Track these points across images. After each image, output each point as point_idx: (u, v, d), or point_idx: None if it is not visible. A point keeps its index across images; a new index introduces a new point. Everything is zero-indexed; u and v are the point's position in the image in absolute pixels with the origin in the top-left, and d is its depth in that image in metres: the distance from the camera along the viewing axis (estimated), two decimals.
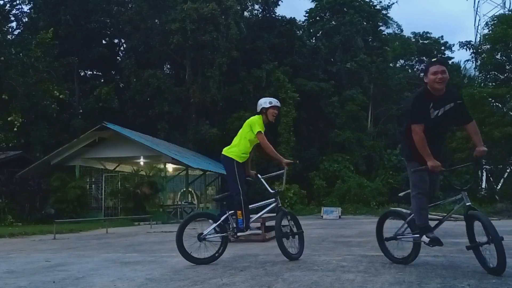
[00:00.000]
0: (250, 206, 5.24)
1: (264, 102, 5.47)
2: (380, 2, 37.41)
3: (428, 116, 4.08)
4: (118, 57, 32.89)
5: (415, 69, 43.66)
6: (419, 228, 4.25)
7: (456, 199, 4.40)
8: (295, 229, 5.34)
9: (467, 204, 4.17)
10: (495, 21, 25.92)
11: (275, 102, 5.47)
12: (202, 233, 5.08)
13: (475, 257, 4.10)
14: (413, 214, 4.39)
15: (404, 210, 4.98)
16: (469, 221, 4.14)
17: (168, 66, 34.41)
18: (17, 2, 24.86)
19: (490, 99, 25.17)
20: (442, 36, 41.36)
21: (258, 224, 5.47)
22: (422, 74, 4.37)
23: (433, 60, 4.30)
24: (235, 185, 5.24)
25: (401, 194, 4.74)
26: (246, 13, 34.55)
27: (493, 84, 26.39)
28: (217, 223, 5.12)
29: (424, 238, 4.18)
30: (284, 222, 5.18)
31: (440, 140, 4.39)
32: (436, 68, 4.10)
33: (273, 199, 5.31)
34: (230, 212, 5.12)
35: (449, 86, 4.26)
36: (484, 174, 29.23)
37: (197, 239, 5.03)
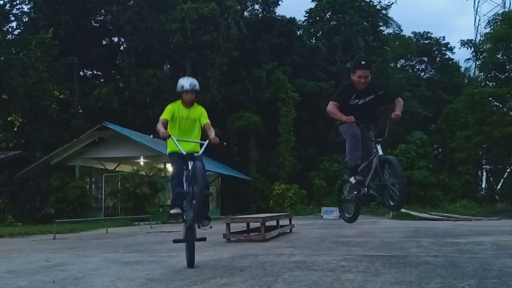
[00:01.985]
0: None
1: (178, 84, 4.98)
2: (380, 2, 37.43)
3: (348, 103, 5.00)
4: (118, 57, 32.88)
5: (415, 69, 43.67)
6: (349, 169, 5.07)
7: (374, 152, 4.96)
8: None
9: (379, 154, 4.81)
10: (497, 20, 25.88)
11: (187, 85, 4.90)
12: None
13: (377, 193, 4.96)
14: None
15: None
16: (382, 165, 4.79)
17: (168, 66, 34.43)
18: (17, 2, 24.83)
19: (490, 98, 25.15)
20: (444, 37, 41.42)
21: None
22: (350, 70, 5.12)
23: (361, 62, 4.93)
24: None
25: (337, 140, 5.51)
26: (246, 13, 34.57)
27: (494, 83, 26.37)
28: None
29: (352, 179, 5.01)
30: None
31: (370, 116, 5.15)
32: (361, 73, 4.87)
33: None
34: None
35: (373, 82, 5.09)
36: (484, 174, 29.23)
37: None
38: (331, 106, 5.02)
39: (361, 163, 5.04)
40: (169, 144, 5.05)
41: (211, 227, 4.88)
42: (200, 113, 5.06)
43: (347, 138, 5.02)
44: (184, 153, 4.71)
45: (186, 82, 4.93)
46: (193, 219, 4.56)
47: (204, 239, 5.08)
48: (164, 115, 4.95)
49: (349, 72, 5.11)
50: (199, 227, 4.85)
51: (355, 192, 5.19)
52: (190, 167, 4.64)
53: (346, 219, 5.63)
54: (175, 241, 4.98)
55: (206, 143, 4.87)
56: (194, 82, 4.99)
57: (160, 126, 4.83)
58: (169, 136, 4.78)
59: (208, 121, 5.07)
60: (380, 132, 5.16)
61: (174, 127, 5.01)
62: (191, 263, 4.71)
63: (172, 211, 4.88)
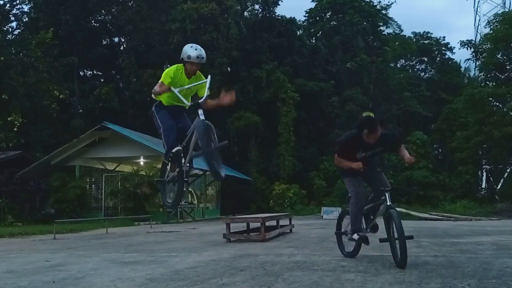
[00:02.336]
0: None
1: (184, 52, 4.47)
2: (380, 2, 37.43)
3: (354, 156, 4.88)
4: (118, 57, 32.88)
5: (415, 69, 43.66)
6: (353, 230, 5.08)
7: (383, 199, 4.85)
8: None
9: (388, 204, 4.70)
10: (497, 20, 25.86)
11: (194, 56, 4.39)
12: None
13: (390, 249, 4.71)
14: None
15: None
16: (388, 220, 4.68)
17: (168, 66, 34.32)
18: (17, 2, 24.81)
19: (491, 98, 25.15)
20: (444, 37, 41.40)
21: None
22: (356, 124, 4.95)
23: (370, 123, 4.72)
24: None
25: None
26: (246, 13, 34.55)
27: (494, 83, 26.37)
28: None
29: (355, 236, 5.04)
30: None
31: (372, 164, 5.14)
32: (369, 132, 4.71)
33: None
34: None
35: (383, 134, 4.89)
36: (484, 174, 29.23)
37: None
38: (337, 160, 5.07)
39: (366, 209, 5.07)
40: (162, 96, 4.59)
41: (225, 175, 4.50)
42: (200, 86, 4.62)
43: (352, 198, 5.06)
44: (189, 104, 4.42)
45: (193, 53, 4.41)
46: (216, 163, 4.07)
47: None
48: (164, 79, 4.44)
49: (357, 126, 4.89)
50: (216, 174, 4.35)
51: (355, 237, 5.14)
52: (200, 116, 4.28)
53: (345, 254, 5.47)
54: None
55: (208, 80, 4.53)
56: (202, 54, 4.46)
57: (157, 87, 4.46)
58: (169, 88, 4.39)
59: (203, 94, 4.58)
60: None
61: (170, 95, 4.56)
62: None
63: (174, 149, 4.43)
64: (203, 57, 4.46)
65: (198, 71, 4.61)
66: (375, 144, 4.84)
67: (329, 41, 34.35)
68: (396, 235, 4.43)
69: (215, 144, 4.18)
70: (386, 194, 4.74)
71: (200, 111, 4.35)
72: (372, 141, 4.76)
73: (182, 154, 4.47)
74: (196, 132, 4.23)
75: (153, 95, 4.58)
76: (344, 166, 4.93)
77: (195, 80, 4.57)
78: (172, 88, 4.38)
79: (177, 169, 4.49)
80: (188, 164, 4.54)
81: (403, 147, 5.20)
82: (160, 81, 4.50)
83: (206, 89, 4.51)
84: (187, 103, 4.44)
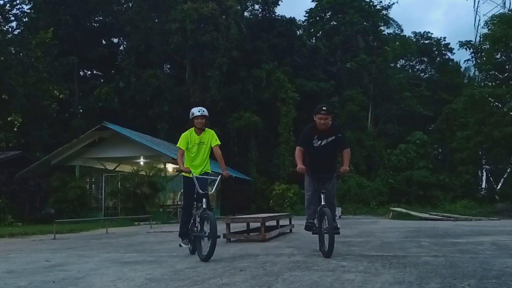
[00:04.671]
0: None
1: (190, 113, 5.88)
2: (381, 2, 37.44)
3: (312, 145, 5.68)
4: (118, 57, 32.89)
5: (415, 69, 43.68)
6: (306, 221, 5.82)
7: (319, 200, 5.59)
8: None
9: (322, 203, 5.47)
10: (495, 21, 25.86)
11: (196, 112, 5.80)
12: None
13: (317, 240, 5.64)
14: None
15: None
16: (321, 215, 5.47)
17: (168, 66, 34.42)
18: (17, 2, 24.82)
19: (490, 99, 25.15)
20: (444, 38, 41.37)
21: None
22: (314, 114, 5.68)
23: (323, 108, 5.66)
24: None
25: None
26: (246, 13, 34.57)
27: (493, 84, 26.37)
28: None
29: (305, 225, 5.83)
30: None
31: (331, 159, 5.87)
32: (321, 116, 5.55)
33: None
34: None
35: (335, 124, 5.83)
36: (484, 174, 29.24)
37: None
38: (296, 151, 5.75)
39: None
40: (186, 163, 5.91)
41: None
42: (211, 136, 5.91)
43: (306, 194, 5.87)
44: (202, 192, 5.52)
45: (195, 110, 5.83)
46: (208, 255, 5.19)
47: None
48: (180, 144, 5.86)
49: (313, 114, 5.67)
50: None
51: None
52: (203, 205, 5.46)
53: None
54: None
55: (218, 179, 5.95)
56: (203, 109, 5.87)
57: (181, 162, 5.86)
58: (190, 172, 5.68)
59: (218, 142, 5.93)
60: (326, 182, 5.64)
61: (188, 152, 5.88)
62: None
63: (182, 244, 5.94)
64: (204, 111, 5.84)
65: (207, 129, 5.91)
66: (327, 133, 5.61)
67: (329, 41, 34.38)
68: (327, 229, 5.19)
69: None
70: (321, 195, 5.48)
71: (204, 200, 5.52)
72: (324, 127, 5.55)
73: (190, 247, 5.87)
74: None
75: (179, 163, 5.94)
76: (296, 162, 5.68)
77: (205, 136, 5.89)
78: (193, 175, 5.67)
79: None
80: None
81: (348, 151, 5.74)
82: (178, 145, 5.94)
83: (215, 186, 6.23)
84: (201, 191, 5.58)
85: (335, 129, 5.75)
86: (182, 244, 5.88)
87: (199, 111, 5.78)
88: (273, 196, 27.00)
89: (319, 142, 5.68)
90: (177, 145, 5.93)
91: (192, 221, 5.72)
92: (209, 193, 5.65)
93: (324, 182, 5.65)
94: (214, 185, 5.93)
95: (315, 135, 5.66)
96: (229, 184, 26.94)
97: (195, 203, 5.76)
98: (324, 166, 5.65)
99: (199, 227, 5.48)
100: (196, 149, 5.84)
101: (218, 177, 5.95)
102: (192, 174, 5.65)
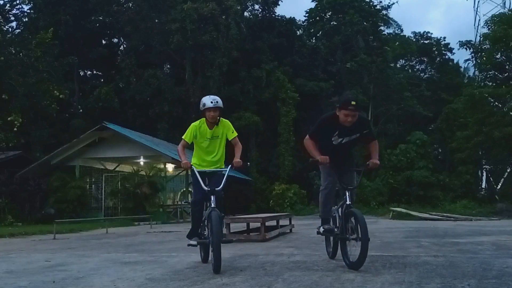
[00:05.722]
0: None
1: (201, 103, 4.92)
2: (380, 2, 37.46)
3: (329, 141, 4.63)
4: (118, 57, 32.90)
5: (415, 69, 43.68)
6: (321, 219, 4.91)
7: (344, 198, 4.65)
8: None
9: (347, 203, 4.53)
10: (495, 20, 25.87)
11: (208, 103, 4.82)
12: None
13: (340, 247, 4.69)
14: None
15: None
16: (346, 217, 4.53)
17: (168, 66, 34.43)
18: (17, 2, 24.84)
19: (490, 99, 25.15)
20: (444, 38, 41.40)
21: None
22: (337, 104, 4.60)
23: (351, 102, 4.43)
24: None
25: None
26: (246, 13, 34.59)
27: (493, 84, 26.38)
28: None
29: (320, 229, 4.86)
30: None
31: (350, 154, 4.99)
32: (349, 112, 4.42)
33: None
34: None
35: (361, 117, 4.63)
36: (484, 174, 29.23)
37: None
38: (307, 142, 4.70)
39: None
40: (194, 158, 5.10)
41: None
42: (226, 129, 5.03)
43: (321, 187, 4.89)
44: (206, 189, 4.68)
45: (207, 100, 4.86)
46: (215, 267, 4.29)
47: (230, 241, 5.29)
48: (186, 136, 5.00)
49: (335, 106, 4.65)
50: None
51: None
52: (212, 203, 4.61)
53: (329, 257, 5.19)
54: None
55: (228, 170, 4.93)
56: (216, 98, 4.89)
57: (182, 153, 4.98)
58: (190, 166, 4.85)
59: (235, 134, 5.08)
60: (351, 178, 4.81)
61: (198, 146, 5.05)
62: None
63: (190, 242, 4.94)
64: (217, 101, 4.83)
65: (221, 119, 4.98)
66: (351, 130, 4.55)
67: (329, 41, 34.38)
68: (360, 235, 4.15)
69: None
70: (347, 193, 4.54)
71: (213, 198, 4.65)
72: (349, 124, 4.46)
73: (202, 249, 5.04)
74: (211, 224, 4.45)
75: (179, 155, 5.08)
76: (311, 153, 4.60)
77: (218, 129, 4.99)
78: (194, 168, 4.85)
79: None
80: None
81: (376, 143, 4.82)
82: (183, 137, 5.03)
83: (223, 181, 4.87)
84: (206, 188, 4.70)
85: (361, 124, 4.61)
86: (191, 242, 4.92)
87: (211, 102, 4.81)
88: (273, 196, 26.99)
89: (340, 139, 4.63)
90: (183, 136, 5.04)
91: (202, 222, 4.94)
92: (216, 189, 4.69)
93: (347, 177, 4.73)
94: (222, 181, 4.82)
95: (336, 131, 4.57)
96: (229, 184, 26.89)
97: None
98: (342, 163, 4.67)
99: (207, 232, 4.73)
100: (208, 144, 4.99)
101: (227, 168, 4.96)
102: (194, 168, 4.83)
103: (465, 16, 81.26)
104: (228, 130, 5.03)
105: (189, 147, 5.15)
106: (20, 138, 20.95)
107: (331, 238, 5.06)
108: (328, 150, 4.59)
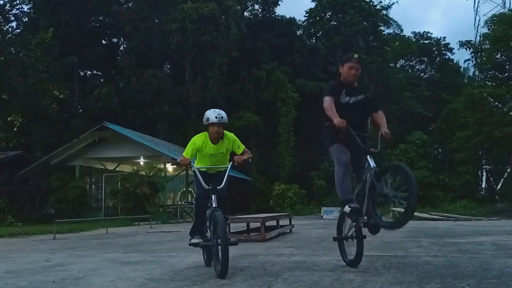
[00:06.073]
0: None
1: (204, 116, 4.57)
2: (380, 2, 37.44)
3: (338, 100, 4.38)
4: (118, 57, 32.90)
5: (415, 69, 43.66)
6: (342, 202, 4.25)
7: (366, 166, 4.22)
8: None
9: (372, 166, 4.14)
10: (495, 20, 25.87)
11: (212, 118, 4.47)
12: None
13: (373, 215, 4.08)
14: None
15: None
16: (380, 176, 4.06)
17: (168, 66, 34.43)
18: (17, 2, 24.83)
19: (490, 99, 25.16)
20: (444, 37, 41.39)
21: None
22: (338, 66, 4.60)
23: (354, 55, 4.50)
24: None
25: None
26: (246, 13, 34.59)
27: (493, 84, 26.38)
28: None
29: (346, 208, 4.15)
30: None
31: (363, 122, 4.61)
32: (352, 64, 4.40)
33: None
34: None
35: (361, 81, 4.38)
36: (484, 174, 29.23)
37: None
38: (328, 101, 4.37)
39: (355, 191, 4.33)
40: (196, 161, 4.81)
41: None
42: (231, 145, 4.68)
43: (336, 166, 4.34)
44: (207, 187, 4.44)
45: (211, 115, 4.49)
46: (222, 272, 4.00)
47: (235, 243, 5.02)
48: (186, 153, 4.60)
49: (338, 67, 4.62)
50: None
51: (354, 226, 4.33)
52: (213, 203, 4.39)
53: (347, 262, 4.53)
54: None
55: (229, 167, 4.64)
56: (222, 114, 4.52)
57: (182, 157, 4.62)
58: (189, 162, 4.54)
59: (243, 147, 4.74)
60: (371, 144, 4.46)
61: (202, 161, 4.73)
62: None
63: (192, 241, 4.67)
64: (222, 117, 4.50)
65: (225, 133, 4.66)
66: (357, 90, 4.50)
67: (329, 41, 34.35)
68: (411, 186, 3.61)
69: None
70: (369, 158, 4.18)
71: (213, 197, 4.43)
72: (353, 79, 4.43)
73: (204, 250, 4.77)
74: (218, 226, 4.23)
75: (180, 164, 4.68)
76: (330, 114, 4.28)
77: (223, 145, 4.65)
78: (193, 166, 4.57)
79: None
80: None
81: (382, 113, 4.59)
82: (183, 153, 4.64)
83: (225, 178, 4.60)
84: (206, 187, 4.47)
85: (362, 88, 4.70)
86: (193, 241, 4.64)
87: (216, 117, 4.45)
88: (273, 196, 26.99)
89: (347, 98, 4.44)
90: (184, 152, 4.68)
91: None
92: (218, 187, 4.46)
93: (364, 143, 4.38)
94: (224, 178, 4.56)
95: (342, 89, 4.45)
96: (229, 184, 26.91)
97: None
98: (357, 131, 4.34)
99: (209, 234, 4.51)
100: (215, 160, 4.70)
101: (228, 166, 4.67)
102: (193, 167, 4.57)
103: (465, 16, 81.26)
104: (234, 145, 4.70)
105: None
106: (20, 138, 20.95)
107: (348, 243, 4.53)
108: (338, 111, 4.31)
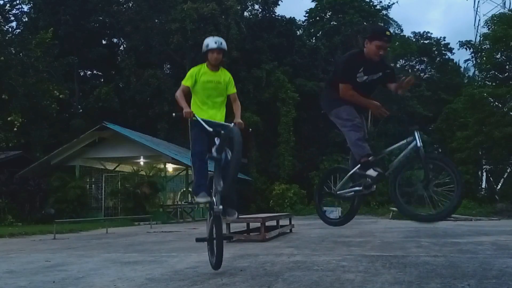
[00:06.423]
0: None
1: (204, 44, 4.46)
2: (380, 2, 37.46)
3: (355, 79, 4.04)
4: (118, 57, 32.91)
5: (415, 69, 43.63)
6: (361, 163, 4.04)
7: (407, 141, 3.98)
8: None
9: (419, 145, 3.82)
10: (495, 20, 25.86)
11: (212, 44, 4.37)
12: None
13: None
14: (357, 167, 4.16)
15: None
16: (428, 160, 3.88)
17: (168, 66, 34.44)
18: (17, 2, 24.82)
19: (490, 99, 25.15)
20: (444, 37, 41.38)
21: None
22: (364, 37, 4.09)
23: (386, 32, 4.02)
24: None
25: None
26: (246, 13, 34.60)
27: (493, 84, 26.37)
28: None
29: (371, 172, 3.91)
30: None
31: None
32: (382, 43, 3.92)
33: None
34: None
35: (383, 57, 4.11)
36: (484, 174, 29.21)
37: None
38: (351, 92, 4.03)
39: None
40: (192, 106, 4.48)
41: (238, 217, 4.34)
42: (228, 79, 4.52)
43: (347, 130, 4.17)
44: (211, 130, 4.20)
45: (211, 41, 4.41)
46: (226, 188, 3.88)
47: (230, 237, 4.82)
48: (186, 81, 4.42)
49: (364, 38, 4.09)
50: (224, 217, 4.23)
51: (361, 188, 4.12)
52: (216, 148, 4.20)
53: (332, 221, 4.47)
54: (198, 239, 4.58)
55: (231, 126, 4.36)
56: (221, 40, 4.44)
57: (181, 99, 4.32)
58: (193, 116, 4.27)
59: (235, 90, 4.60)
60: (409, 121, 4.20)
61: (197, 92, 4.46)
62: (218, 265, 4.15)
63: (198, 199, 4.25)
64: (221, 43, 4.40)
65: (222, 68, 4.54)
66: (376, 67, 4.05)
67: (329, 41, 34.36)
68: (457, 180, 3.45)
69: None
70: (416, 134, 3.83)
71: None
72: (378, 58, 3.96)
73: (215, 216, 4.20)
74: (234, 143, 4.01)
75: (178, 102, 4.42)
76: (361, 103, 3.99)
77: (221, 74, 4.50)
78: (197, 117, 4.30)
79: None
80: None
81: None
82: (182, 82, 4.46)
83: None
84: (210, 129, 4.24)
85: (383, 62, 4.13)
86: (197, 199, 4.29)
87: (215, 43, 4.37)
88: (273, 196, 27.00)
89: (365, 77, 4.07)
90: (182, 81, 4.47)
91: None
92: (226, 128, 4.28)
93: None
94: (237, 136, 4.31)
95: (362, 67, 4.02)
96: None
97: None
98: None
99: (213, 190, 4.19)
100: (209, 88, 4.44)
101: (231, 124, 4.41)
102: (196, 116, 4.29)
103: (465, 16, 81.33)
104: (229, 82, 4.54)
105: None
106: (20, 138, 20.97)
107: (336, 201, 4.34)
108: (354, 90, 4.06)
